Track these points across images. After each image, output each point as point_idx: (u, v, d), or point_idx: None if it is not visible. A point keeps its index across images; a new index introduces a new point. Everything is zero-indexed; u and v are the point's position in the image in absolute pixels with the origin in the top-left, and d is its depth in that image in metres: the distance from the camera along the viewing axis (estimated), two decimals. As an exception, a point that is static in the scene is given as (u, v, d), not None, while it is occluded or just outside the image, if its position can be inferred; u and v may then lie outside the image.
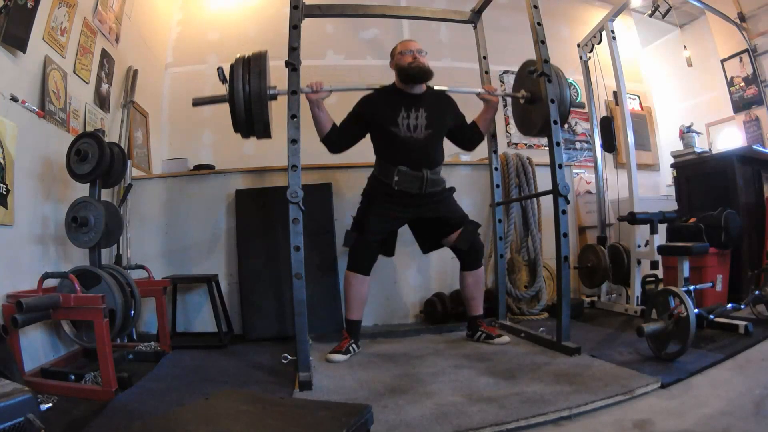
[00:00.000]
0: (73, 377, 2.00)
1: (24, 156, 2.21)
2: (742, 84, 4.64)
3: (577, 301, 3.31)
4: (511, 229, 3.38)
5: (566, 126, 4.58)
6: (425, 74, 2.46)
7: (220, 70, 2.17)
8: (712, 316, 2.31)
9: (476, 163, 3.54)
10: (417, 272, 3.33)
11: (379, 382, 1.93)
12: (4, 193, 2.06)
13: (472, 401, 1.65)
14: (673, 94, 5.45)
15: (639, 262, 3.17)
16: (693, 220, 3.02)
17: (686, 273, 2.47)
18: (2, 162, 2.06)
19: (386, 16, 3.11)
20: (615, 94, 3.40)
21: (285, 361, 2.12)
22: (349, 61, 4.46)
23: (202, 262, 3.18)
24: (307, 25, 2.37)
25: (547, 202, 3.12)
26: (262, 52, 2.24)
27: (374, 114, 2.49)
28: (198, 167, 3.54)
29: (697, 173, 3.64)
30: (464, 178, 3.39)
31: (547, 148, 2.43)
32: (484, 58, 3.10)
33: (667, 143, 5.04)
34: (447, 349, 2.46)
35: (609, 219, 3.71)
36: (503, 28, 4.19)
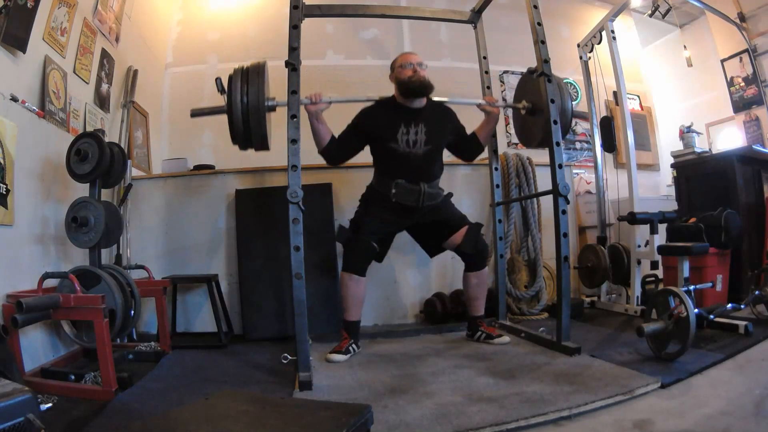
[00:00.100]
0: (73, 377, 2.00)
1: (24, 156, 2.21)
2: (742, 84, 4.64)
3: (577, 301, 3.31)
4: (511, 229, 3.38)
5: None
6: (426, 88, 2.45)
7: (218, 80, 2.16)
8: (712, 316, 2.31)
9: (476, 163, 3.53)
10: (417, 272, 3.32)
11: (379, 382, 1.93)
12: (4, 193, 2.06)
13: (472, 401, 1.65)
14: (673, 94, 5.45)
15: (639, 262, 3.17)
16: (693, 220, 3.02)
17: (686, 273, 2.47)
18: (2, 162, 2.06)
19: (386, 16, 3.11)
20: (615, 94, 3.40)
21: (285, 361, 2.12)
22: (349, 61, 4.47)
23: (202, 262, 3.18)
24: (307, 25, 2.37)
25: (547, 202, 3.12)
26: (260, 63, 2.22)
27: (373, 128, 2.48)
28: (198, 167, 3.54)
29: (697, 173, 3.64)
30: (464, 178, 3.39)
31: (547, 149, 2.42)
32: (484, 58, 3.10)
33: (667, 143, 5.04)
34: (447, 349, 2.46)
35: (609, 219, 3.71)
36: (503, 28, 4.19)
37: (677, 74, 5.27)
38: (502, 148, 3.70)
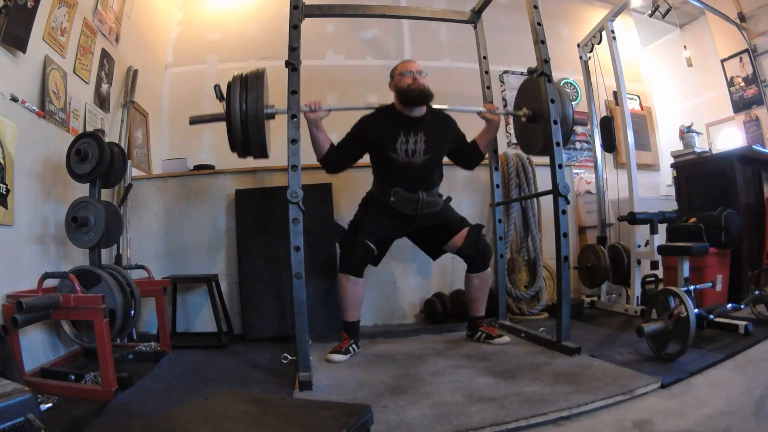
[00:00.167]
0: (73, 377, 2.00)
1: (24, 156, 2.21)
2: (742, 84, 4.64)
3: (577, 301, 3.31)
4: (511, 229, 3.38)
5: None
6: (425, 97, 2.43)
7: (217, 87, 2.15)
8: (712, 316, 2.31)
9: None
10: (417, 272, 3.32)
11: (379, 382, 1.93)
12: (4, 193, 2.06)
13: (472, 401, 1.65)
14: (673, 94, 5.45)
15: (639, 262, 3.17)
16: (693, 220, 3.02)
17: (686, 273, 2.47)
18: (2, 162, 2.06)
19: (386, 16, 3.11)
20: (615, 94, 3.40)
21: (285, 361, 2.12)
22: (349, 61, 4.47)
23: (202, 262, 3.18)
24: (307, 25, 2.37)
25: (547, 202, 3.12)
26: (259, 70, 2.21)
27: (373, 136, 2.47)
28: (198, 167, 3.54)
29: (697, 173, 3.64)
30: (464, 178, 3.39)
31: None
32: (484, 58, 3.11)
33: (667, 143, 5.04)
34: (447, 349, 2.46)
35: (609, 219, 3.71)
36: (503, 28, 4.19)
37: (677, 74, 5.27)
38: (502, 148, 3.70)
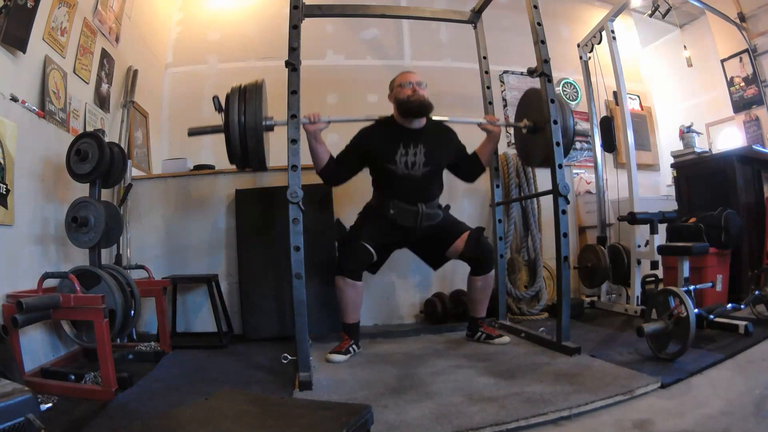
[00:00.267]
0: (73, 377, 2.00)
1: (24, 156, 2.21)
2: (742, 84, 4.64)
3: (577, 301, 3.31)
4: (511, 229, 3.38)
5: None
6: (425, 108, 2.42)
7: (215, 99, 2.14)
8: (712, 316, 2.31)
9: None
10: (417, 272, 3.32)
11: (379, 382, 1.93)
12: (4, 193, 2.06)
13: (472, 401, 1.65)
14: (673, 94, 5.45)
15: (639, 262, 3.17)
16: (693, 220, 3.02)
17: (686, 273, 2.47)
18: (2, 162, 2.06)
19: (386, 16, 3.11)
20: (615, 94, 3.40)
21: (285, 361, 2.12)
22: (349, 61, 4.47)
23: (202, 262, 3.18)
24: (307, 25, 2.37)
25: (547, 202, 3.12)
26: (258, 82, 2.20)
27: (372, 149, 2.46)
28: (198, 167, 3.54)
29: (697, 173, 3.64)
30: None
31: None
32: (484, 58, 3.11)
33: (667, 143, 5.04)
34: (447, 349, 2.46)
35: (609, 219, 3.71)
36: (503, 28, 4.19)
37: (677, 74, 5.27)
38: (502, 148, 3.69)
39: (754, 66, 4.51)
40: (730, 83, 4.75)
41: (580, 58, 3.78)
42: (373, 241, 2.43)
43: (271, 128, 2.22)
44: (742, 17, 4.57)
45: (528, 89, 2.74)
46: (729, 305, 2.43)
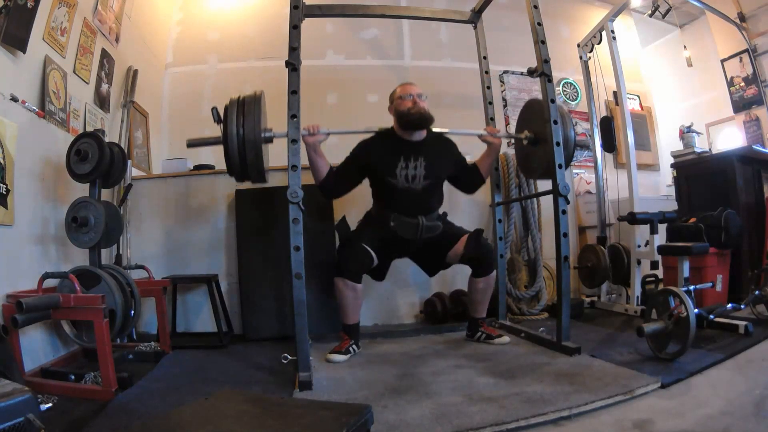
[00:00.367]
0: (73, 377, 2.00)
1: (24, 156, 2.21)
2: (742, 84, 4.64)
3: (577, 301, 3.31)
4: (511, 229, 3.38)
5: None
6: (425, 121, 2.41)
7: (214, 110, 2.13)
8: (712, 316, 2.31)
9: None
10: (417, 272, 3.30)
11: (379, 382, 1.93)
12: (4, 193, 2.06)
13: (472, 401, 1.65)
14: (673, 94, 5.45)
15: (639, 262, 3.18)
16: (693, 220, 3.02)
17: (686, 273, 2.47)
18: (2, 162, 2.06)
19: (386, 16, 3.11)
20: (615, 94, 3.40)
21: (285, 361, 2.12)
22: (349, 61, 4.47)
23: (202, 262, 3.18)
24: (307, 25, 2.36)
25: (547, 202, 3.12)
26: (257, 93, 2.19)
27: (372, 162, 2.46)
28: (198, 167, 3.54)
29: (697, 173, 3.65)
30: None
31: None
32: (484, 58, 3.11)
33: (667, 143, 5.04)
34: (447, 349, 2.46)
35: (609, 219, 3.71)
36: (503, 28, 4.19)
37: (677, 74, 5.27)
38: (502, 148, 3.69)
39: (754, 66, 4.51)
40: (730, 83, 4.75)
41: (580, 58, 3.78)
42: (373, 244, 2.42)
43: (270, 140, 2.22)
44: (742, 17, 4.57)
45: (529, 100, 2.73)
46: (729, 305, 2.43)
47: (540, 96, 2.45)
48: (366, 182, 2.61)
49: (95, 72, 2.95)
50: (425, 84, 4.31)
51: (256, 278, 3.00)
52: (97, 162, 2.26)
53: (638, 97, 5.19)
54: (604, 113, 4.08)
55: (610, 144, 3.54)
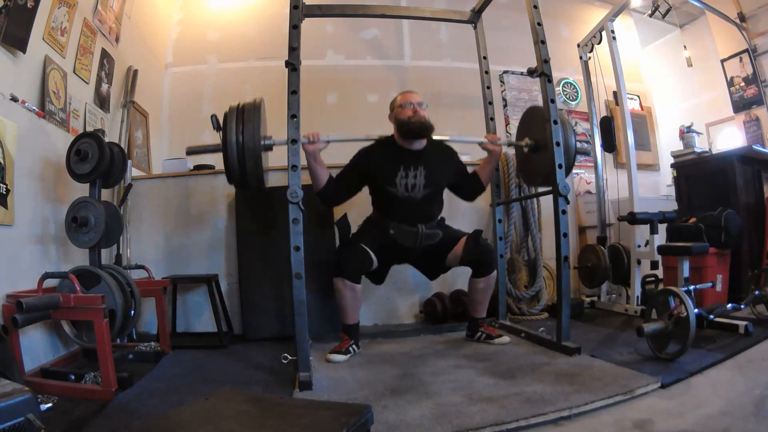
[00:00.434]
0: (73, 377, 2.00)
1: (24, 156, 2.21)
2: (742, 84, 4.64)
3: (577, 301, 3.31)
4: (511, 229, 3.38)
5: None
6: (426, 130, 2.41)
7: (213, 117, 2.13)
8: (712, 316, 2.31)
9: (476, 163, 3.54)
10: (417, 272, 3.30)
11: (379, 382, 1.93)
12: (4, 193, 2.06)
13: (472, 401, 1.65)
14: (673, 94, 5.45)
15: (639, 262, 3.18)
16: (693, 220, 3.02)
17: (686, 273, 2.47)
18: (2, 162, 2.06)
19: (386, 16, 3.11)
20: (615, 94, 3.40)
21: (285, 361, 2.12)
22: (349, 61, 4.47)
23: (202, 262, 3.18)
24: (307, 25, 2.36)
25: (547, 202, 3.12)
26: (256, 101, 2.18)
27: (372, 170, 2.46)
28: (198, 167, 3.54)
29: (697, 173, 3.65)
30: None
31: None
32: (484, 58, 3.11)
33: (667, 143, 5.04)
34: (447, 349, 2.46)
35: (609, 219, 3.71)
36: (503, 28, 4.20)
37: (677, 74, 5.27)
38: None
39: (754, 66, 4.51)
40: (730, 83, 4.75)
41: (580, 58, 3.78)
42: (373, 245, 2.43)
43: (269, 148, 2.22)
44: (742, 17, 4.57)
45: (529, 107, 2.72)
46: (729, 305, 2.43)
47: (540, 96, 2.45)
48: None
49: (95, 72, 2.95)
50: (425, 84, 4.37)
51: (256, 278, 3.00)
52: (97, 162, 2.26)
53: (638, 97, 5.19)
54: (604, 113, 4.08)
55: (610, 144, 3.54)
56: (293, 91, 2.11)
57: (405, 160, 2.43)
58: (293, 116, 2.08)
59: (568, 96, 4.84)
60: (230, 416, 1.17)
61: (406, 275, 3.29)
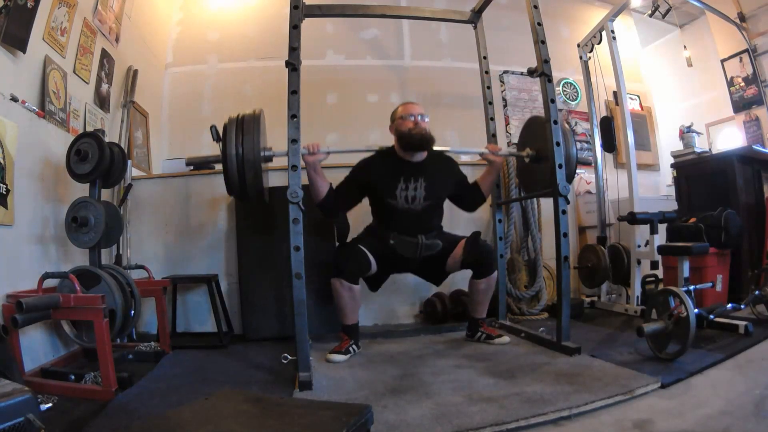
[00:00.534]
0: (73, 377, 2.00)
1: (24, 156, 2.21)
2: (742, 84, 4.64)
3: (577, 301, 3.31)
4: (511, 229, 3.38)
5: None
6: (427, 142, 2.41)
7: (213, 128, 2.12)
8: (712, 316, 2.31)
9: (476, 163, 3.54)
10: (417, 272, 3.32)
11: (379, 382, 1.93)
12: (4, 193, 2.06)
13: (472, 401, 1.65)
14: (673, 94, 5.45)
15: (639, 262, 3.18)
16: (693, 220, 3.02)
17: (686, 273, 2.47)
18: (2, 162, 2.06)
19: (386, 16, 3.11)
20: (615, 94, 3.40)
21: (285, 361, 2.12)
22: (349, 61, 4.47)
23: (202, 262, 3.18)
24: (307, 25, 2.36)
25: (547, 202, 3.11)
26: (256, 112, 2.18)
27: (372, 182, 2.46)
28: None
29: (697, 173, 3.65)
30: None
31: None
32: (484, 58, 3.11)
33: (667, 143, 5.04)
34: (447, 349, 2.46)
35: (609, 219, 3.71)
36: (503, 28, 4.19)
37: (677, 74, 5.27)
38: (502, 146, 3.69)
39: (754, 66, 4.51)
40: (730, 83, 4.74)
41: (580, 58, 3.78)
42: (372, 249, 2.43)
43: (269, 159, 2.22)
44: (742, 17, 4.57)
45: (530, 117, 2.72)
46: (729, 305, 2.43)
47: (540, 96, 2.45)
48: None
49: (95, 72, 2.95)
50: (425, 84, 4.37)
51: (256, 278, 3.00)
52: (97, 162, 2.26)
53: (638, 97, 5.19)
54: (604, 113, 4.08)
55: (610, 144, 3.54)
56: (293, 91, 2.11)
57: (405, 172, 2.44)
58: (293, 116, 2.08)
59: (568, 96, 4.84)
60: (230, 416, 1.17)
61: (406, 275, 3.29)
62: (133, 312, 2.27)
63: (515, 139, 4.53)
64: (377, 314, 3.23)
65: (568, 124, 2.61)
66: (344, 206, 2.54)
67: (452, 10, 3.38)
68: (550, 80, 2.38)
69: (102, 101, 3.03)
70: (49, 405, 1.76)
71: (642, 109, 5.19)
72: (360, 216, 2.67)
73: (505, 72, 4.59)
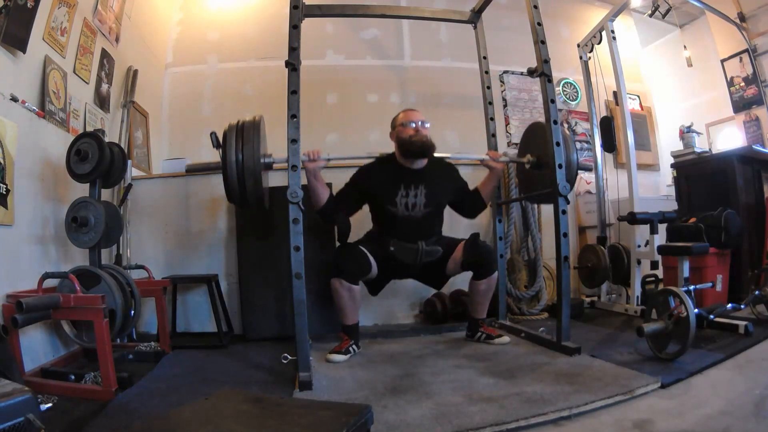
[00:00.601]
0: (73, 377, 2.00)
1: (24, 156, 2.21)
2: (742, 84, 4.64)
3: (577, 301, 3.31)
4: (511, 229, 3.38)
5: (566, 126, 4.59)
6: (428, 149, 2.41)
7: (213, 135, 2.12)
8: (712, 316, 2.31)
9: (476, 164, 3.54)
10: (417, 272, 3.32)
11: (379, 382, 1.93)
12: (4, 193, 2.06)
13: (472, 401, 1.65)
14: (673, 94, 5.45)
15: (639, 262, 3.18)
16: (693, 220, 3.02)
17: (686, 273, 2.47)
18: (2, 162, 2.06)
19: (386, 16, 3.11)
20: (615, 94, 3.40)
21: (285, 361, 2.12)
22: (349, 61, 4.46)
23: (202, 262, 3.18)
24: (307, 25, 2.36)
25: (547, 202, 3.12)
26: (256, 118, 2.17)
27: (372, 189, 2.46)
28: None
29: (697, 173, 3.65)
30: (464, 178, 3.38)
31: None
32: (484, 58, 3.11)
33: (667, 143, 5.03)
34: (447, 349, 2.46)
35: (609, 219, 3.71)
36: (503, 28, 4.19)
37: (677, 74, 5.26)
38: (502, 148, 3.70)
39: (754, 66, 4.51)
40: (730, 83, 4.74)
41: (580, 58, 3.78)
42: (375, 256, 2.43)
43: (270, 166, 2.21)
44: (742, 17, 4.56)
45: (531, 123, 2.72)
46: (729, 305, 2.43)
47: (540, 95, 2.45)
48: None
49: (95, 72, 2.95)
50: (425, 84, 4.37)
51: (256, 278, 3.00)
52: (97, 162, 2.26)
53: (638, 97, 5.19)
54: (604, 113, 4.08)
55: (610, 144, 3.54)
56: (293, 91, 2.11)
57: (405, 179, 2.44)
58: (293, 116, 2.08)
59: (568, 96, 4.84)
60: (230, 416, 1.17)
61: (406, 275, 3.29)
62: (133, 312, 2.27)
63: (515, 139, 4.54)
64: (377, 314, 3.23)
65: (568, 131, 2.60)
66: (344, 213, 2.55)
67: (452, 10, 3.38)
68: (550, 80, 2.38)
69: (102, 101, 3.03)
70: (49, 405, 1.76)
71: (642, 109, 5.19)
72: (360, 216, 2.67)
73: (505, 72, 4.58)
